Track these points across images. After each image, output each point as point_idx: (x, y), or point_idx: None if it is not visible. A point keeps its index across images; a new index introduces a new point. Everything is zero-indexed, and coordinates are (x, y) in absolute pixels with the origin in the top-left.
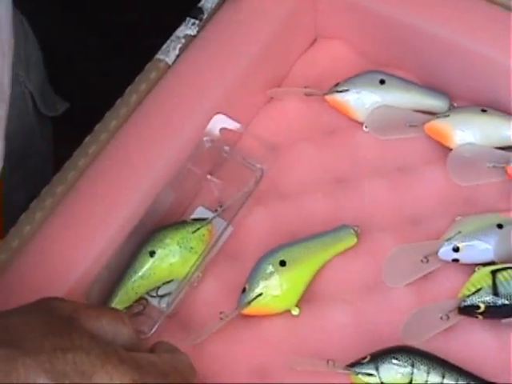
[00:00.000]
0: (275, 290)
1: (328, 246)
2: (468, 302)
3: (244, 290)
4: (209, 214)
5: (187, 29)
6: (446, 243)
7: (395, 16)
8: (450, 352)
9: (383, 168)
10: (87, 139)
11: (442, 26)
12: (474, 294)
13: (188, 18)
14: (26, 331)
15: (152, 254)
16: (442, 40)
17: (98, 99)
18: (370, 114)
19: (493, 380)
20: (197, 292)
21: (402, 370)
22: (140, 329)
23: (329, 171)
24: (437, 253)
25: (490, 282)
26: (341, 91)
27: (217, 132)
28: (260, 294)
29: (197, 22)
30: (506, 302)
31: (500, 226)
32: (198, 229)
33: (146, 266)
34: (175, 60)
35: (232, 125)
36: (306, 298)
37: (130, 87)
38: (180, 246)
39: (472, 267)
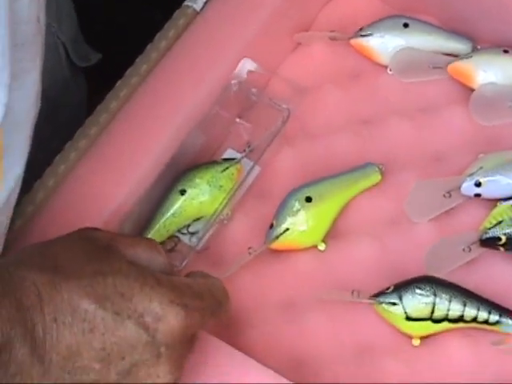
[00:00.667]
0: (301, 225)
1: (353, 182)
2: (489, 234)
3: (271, 226)
4: (238, 156)
5: None
6: (468, 178)
7: None
8: (472, 284)
9: (407, 109)
10: (119, 83)
11: None
12: (495, 226)
13: None
14: (67, 258)
15: (183, 192)
16: None
17: (128, 49)
18: (393, 57)
19: None
20: (226, 229)
21: (425, 299)
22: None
23: (354, 113)
24: (459, 188)
25: (511, 214)
26: (365, 35)
27: (244, 75)
28: (287, 229)
29: None
30: None
31: None
32: (227, 168)
33: (177, 205)
34: (203, 7)
35: (259, 69)
36: (332, 234)
37: (159, 33)
38: (210, 185)
39: (494, 202)
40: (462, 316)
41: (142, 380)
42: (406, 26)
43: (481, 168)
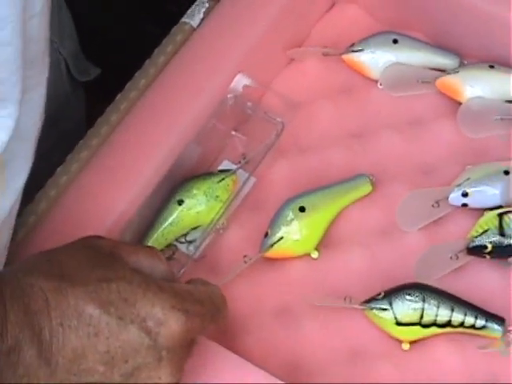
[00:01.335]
0: (295, 234)
1: (345, 193)
2: (476, 243)
3: (266, 235)
4: (233, 167)
5: None
6: (455, 189)
7: None
8: (459, 290)
9: (397, 122)
10: (118, 96)
11: None
12: (481, 234)
13: None
14: (73, 266)
15: (180, 202)
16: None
17: (127, 63)
18: (384, 72)
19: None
20: (222, 238)
21: (414, 304)
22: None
23: (345, 126)
24: (447, 198)
25: (496, 223)
26: (356, 51)
27: (240, 90)
28: (281, 238)
29: None
30: None
31: (507, 173)
32: (223, 179)
33: (175, 214)
34: (200, 23)
35: (254, 83)
36: (325, 243)
37: (157, 49)
38: (206, 195)
39: (480, 212)
40: (449, 321)
41: (144, 382)
42: (395, 41)
43: (468, 179)
